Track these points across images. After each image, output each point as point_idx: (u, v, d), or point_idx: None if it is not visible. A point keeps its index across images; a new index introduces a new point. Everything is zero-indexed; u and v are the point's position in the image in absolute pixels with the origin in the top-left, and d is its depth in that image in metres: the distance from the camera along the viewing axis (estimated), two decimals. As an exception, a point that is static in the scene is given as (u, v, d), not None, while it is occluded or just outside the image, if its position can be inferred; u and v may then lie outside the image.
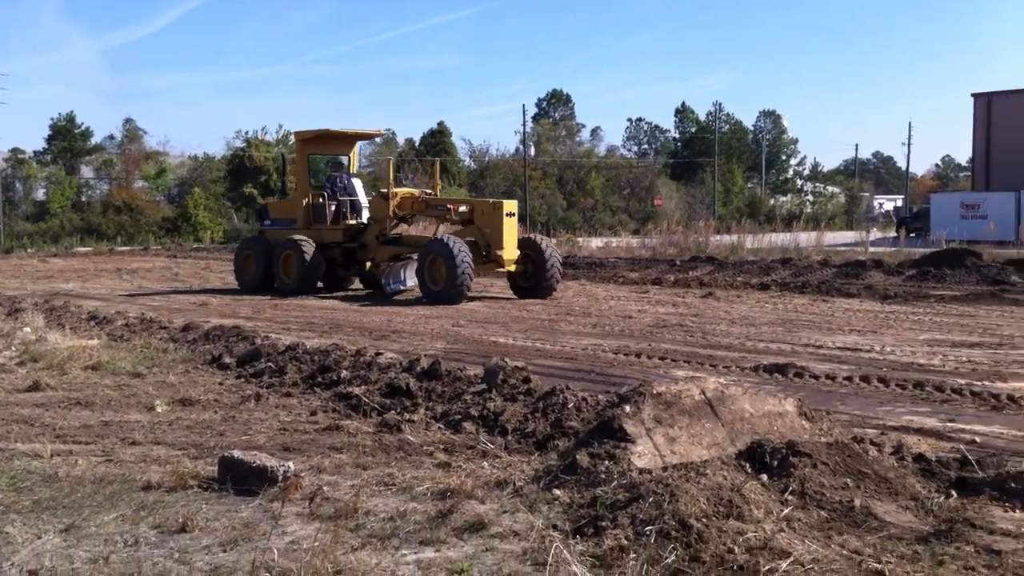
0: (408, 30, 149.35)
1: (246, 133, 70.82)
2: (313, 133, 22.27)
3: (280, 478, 5.73)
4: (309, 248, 20.84)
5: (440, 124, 78.52)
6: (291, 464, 5.95)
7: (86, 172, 68.09)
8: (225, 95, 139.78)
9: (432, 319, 15.85)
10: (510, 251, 19.39)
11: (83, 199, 63.05)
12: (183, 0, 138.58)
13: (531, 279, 19.74)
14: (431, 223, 24.72)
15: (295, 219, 22.03)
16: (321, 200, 21.78)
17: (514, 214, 19.58)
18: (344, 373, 9.39)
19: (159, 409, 8.29)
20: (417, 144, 78.33)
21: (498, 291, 21.44)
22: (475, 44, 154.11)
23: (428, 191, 21.90)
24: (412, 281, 20.18)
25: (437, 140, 76.24)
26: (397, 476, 6.01)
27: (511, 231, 19.48)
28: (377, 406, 8.12)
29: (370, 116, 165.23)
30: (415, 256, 19.95)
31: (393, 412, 7.85)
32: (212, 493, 5.72)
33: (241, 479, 5.76)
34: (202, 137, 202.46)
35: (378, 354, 10.54)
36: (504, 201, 20.05)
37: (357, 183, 22.84)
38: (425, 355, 10.17)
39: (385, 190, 21.26)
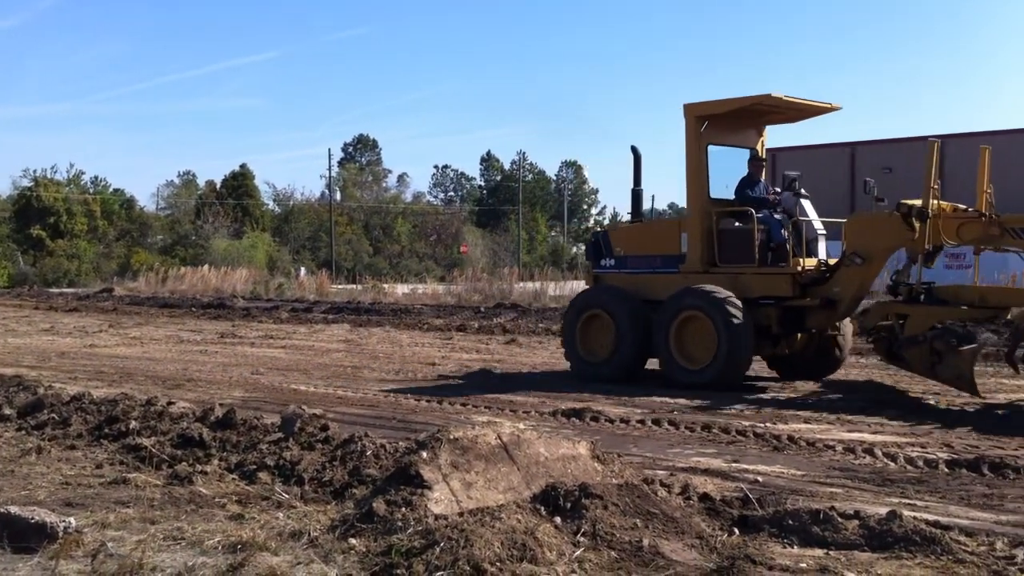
0: (209, 70, 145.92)
1: (34, 172, 67.80)
2: (726, 106, 13.48)
3: (60, 534, 5.45)
4: (736, 308, 12.46)
5: (242, 166, 77.04)
6: (73, 520, 5.66)
7: None
8: (12, 132, 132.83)
9: (231, 367, 15.45)
10: None
11: None
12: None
13: None
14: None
15: (672, 255, 13.76)
16: (739, 225, 13.36)
17: None
18: (133, 424, 9.01)
19: (-73, 465, 7.74)
20: (218, 186, 76.61)
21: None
22: (279, 86, 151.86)
23: (969, 208, 12.21)
24: None
25: (239, 183, 74.73)
26: (187, 530, 5.80)
27: None
28: (168, 457, 7.83)
29: (169, 156, 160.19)
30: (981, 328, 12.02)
31: (184, 463, 7.59)
32: (-14, 552, 5.39)
33: (18, 536, 5.43)
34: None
35: (170, 403, 10.19)
36: None
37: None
38: (220, 404, 9.91)
39: (915, 202, 11.90)
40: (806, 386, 13.02)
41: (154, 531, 5.80)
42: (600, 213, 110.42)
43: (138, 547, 5.37)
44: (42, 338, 21.48)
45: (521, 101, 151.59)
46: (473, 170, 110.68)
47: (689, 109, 13.58)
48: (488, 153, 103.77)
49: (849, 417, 10.35)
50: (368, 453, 7.31)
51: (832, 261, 13.11)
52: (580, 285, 36.59)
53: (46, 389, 11.39)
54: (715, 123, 13.64)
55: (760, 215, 13.06)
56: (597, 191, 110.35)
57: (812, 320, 12.94)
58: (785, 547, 5.49)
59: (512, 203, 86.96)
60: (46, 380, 12.73)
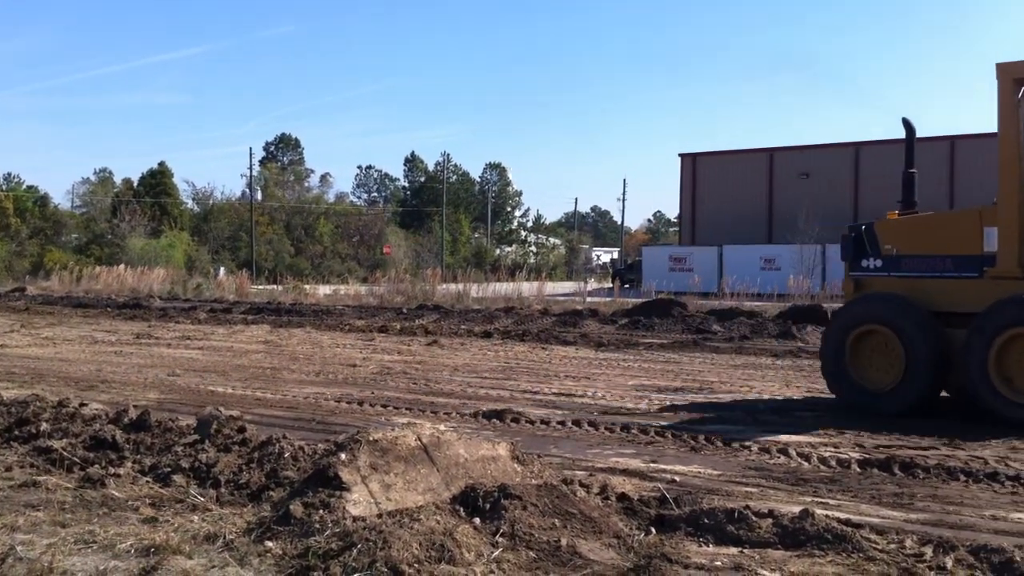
0: (129, 66, 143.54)
1: (-51, 169, 66.04)
2: None
3: (-34, 539, 5.30)
4: None
5: (161, 164, 75.72)
6: (-21, 524, 5.52)
7: None
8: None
9: (146, 368, 15.16)
10: None
11: None
12: None
13: None
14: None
15: (971, 256, 10.84)
16: None
17: None
18: (44, 426, 8.78)
19: None
20: (136, 184, 75.16)
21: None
22: (201, 83, 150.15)
23: None
24: None
25: (157, 180, 73.41)
26: (99, 533, 5.68)
27: None
28: (79, 460, 7.64)
29: (85, 153, 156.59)
30: None
31: (97, 466, 7.42)
32: None
33: (-80, 542, 5.28)
34: None
35: (83, 405, 9.96)
36: None
37: None
38: (135, 405, 9.73)
39: None
40: None
41: (65, 534, 5.67)
42: (524, 215, 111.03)
43: (48, 551, 5.26)
44: (-51, 338, 20.86)
45: (447, 102, 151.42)
46: (397, 171, 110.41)
47: (1005, 69, 10.61)
48: (412, 154, 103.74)
49: (764, 418, 10.53)
50: (286, 455, 7.23)
51: None
52: (502, 287, 36.69)
53: (-47, 391, 11.08)
54: None
55: None
56: (521, 193, 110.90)
57: None
58: (701, 546, 5.56)
59: (436, 204, 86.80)
60: (-47, 381, 12.39)
